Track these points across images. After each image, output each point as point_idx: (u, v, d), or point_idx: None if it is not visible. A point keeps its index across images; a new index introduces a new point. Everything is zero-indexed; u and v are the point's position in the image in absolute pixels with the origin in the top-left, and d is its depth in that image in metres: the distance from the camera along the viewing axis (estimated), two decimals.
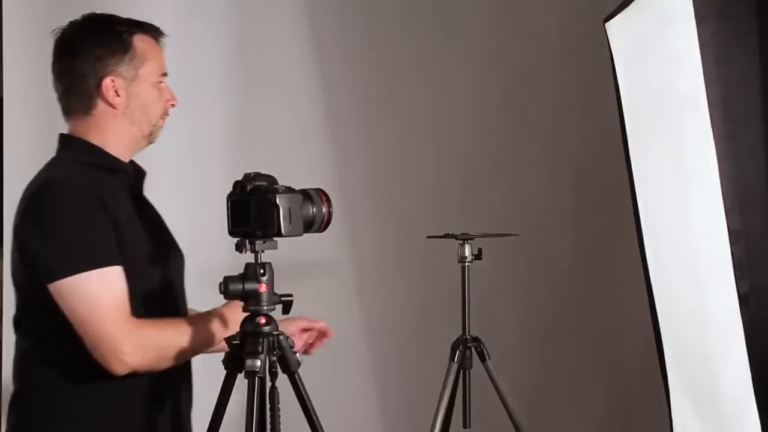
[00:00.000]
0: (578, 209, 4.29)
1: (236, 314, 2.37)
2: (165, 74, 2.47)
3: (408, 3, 4.19)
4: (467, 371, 3.44)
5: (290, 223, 2.30)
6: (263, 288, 2.31)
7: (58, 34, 2.47)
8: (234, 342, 2.33)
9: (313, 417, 2.40)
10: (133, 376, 2.31)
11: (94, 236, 2.29)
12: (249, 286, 2.30)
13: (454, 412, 3.43)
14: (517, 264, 4.25)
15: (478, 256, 3.43)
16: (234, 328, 2.37)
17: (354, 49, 4.11)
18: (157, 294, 2.40)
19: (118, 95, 2.39)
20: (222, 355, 2.42)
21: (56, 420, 2.34)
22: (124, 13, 3.61)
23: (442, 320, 3.71)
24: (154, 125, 2.45)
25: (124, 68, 2.40)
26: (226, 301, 2.39)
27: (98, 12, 2.49)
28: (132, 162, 2.50)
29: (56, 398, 2.34)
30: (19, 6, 3.49)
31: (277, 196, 2.28)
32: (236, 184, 2.33)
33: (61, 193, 2.31)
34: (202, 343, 2.38)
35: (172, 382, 2.42)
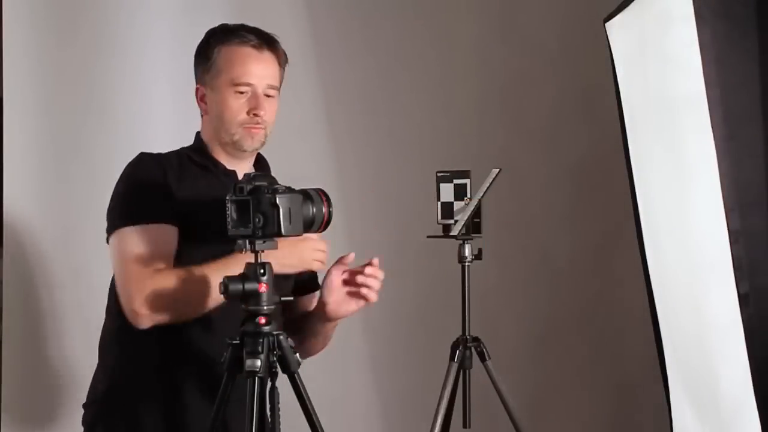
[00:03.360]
0: (578, 209, 4.29)
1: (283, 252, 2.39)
2: (248, 84, 2.54)
3: (407, 4, 4.19)
4: (467, 371, 3.44)
5: (290, 223, 2.30)
6: (263, 288, 2.31)
7: None
8: (234, 342, 2.33)
9: (313, 417, 2.40)
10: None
11: (139, 196, 2.49)
12: (249, 286, 2.30)
13: (454, 412, 3.43)
14: (517, 264, 4.25)
15: (478, 256, 3.43)
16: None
17: (353, 50, 4.11)
18: None
19: (204, 102, 2.59)
20: None
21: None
22: (122, 11, 3.63)
23: (442, 320, 3.71)
24: (233, 133, 2.55)
25: (207, 77, 2.58)
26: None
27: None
28: (259, 166, 2.65)
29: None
30: (19, 6, 3.49)
31: (277, 196, 2.28)
32: (236, 184, 2.34)
33: (131, 164, 2.55)
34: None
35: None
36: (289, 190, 2.33)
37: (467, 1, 4.25)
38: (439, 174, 3.42)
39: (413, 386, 4.03)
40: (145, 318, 2.40)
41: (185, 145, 2.66)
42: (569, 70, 4.24)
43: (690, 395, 2.96)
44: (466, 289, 3.44)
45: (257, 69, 2.56)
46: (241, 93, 2.54)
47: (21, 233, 3.50)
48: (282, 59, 2.63)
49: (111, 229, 2.50)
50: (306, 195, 2.37)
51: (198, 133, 2.65)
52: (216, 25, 2.66)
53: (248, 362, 2.30)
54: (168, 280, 2.40)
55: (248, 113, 2.54)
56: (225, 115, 2.54)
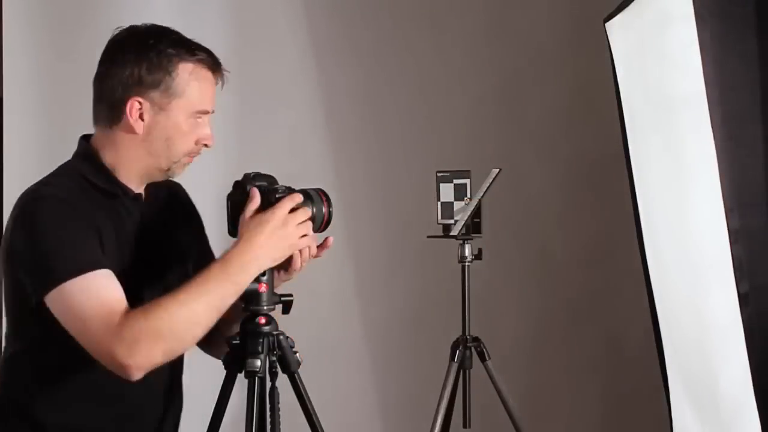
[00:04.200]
0: (578, 209, 4.28)
1: (247, 245, 2.18)
2: (207, 112, 2.28)
3: (404, 4, 4.19)
4: (467, 371, 3.44)
5: None
6: (263, 288, 2.30)
7: (113, 36, 2.29)
8: (234, 342, 2.33)
9: (313, 417, 2.40)
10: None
11: (73, 244, 2.14)
12: (249, 286, 2.30)
13: (454, 412, 3.43)
14: (517, 264, 4.25)
15: (478, 256, 3.44)
16: (252, 263, 2.19)
17: (351, 50, 4.12)
18: None
19: (142, 119, 2.22)
20: None
21: None
22: (123, 11, 3.63)
23: (442, 320, 3.71)
24: (175, 162, 2.27)
25: (156, 94, 2.22)
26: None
27: (157, 24, 2.32)
28: (169, 186, 2.38)
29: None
30: (18, 6, 3.49)
31: (277, 196, 2.28)
32: (236, 184, 2.33)
33: (47, 208, 2.17)
34: (215, 301, 2.15)
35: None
36: (289, 190, 2.32)
37: (467, 1, 4.25)
38: (439, 174, 3.43)
39: (413, 386, 4.03)
40: (135, 370, 2.10)
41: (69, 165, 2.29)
42: (569, 70, 4.24)
43: (690, 395, 2.96)
44: (466, 289, 3.45)
45: (214, 96, 2.29)
46: (199, 119, 2.26)
47: None
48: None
49: (51, 285, 2.12)
50: (306, 195, 2.36)
51: (90, 151, 2.27)
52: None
53: (248, 362, 2.30)
54: (142, 317, 2.10)
55: (197, 143, 2.27)
56: (177, 142, 2.24)
